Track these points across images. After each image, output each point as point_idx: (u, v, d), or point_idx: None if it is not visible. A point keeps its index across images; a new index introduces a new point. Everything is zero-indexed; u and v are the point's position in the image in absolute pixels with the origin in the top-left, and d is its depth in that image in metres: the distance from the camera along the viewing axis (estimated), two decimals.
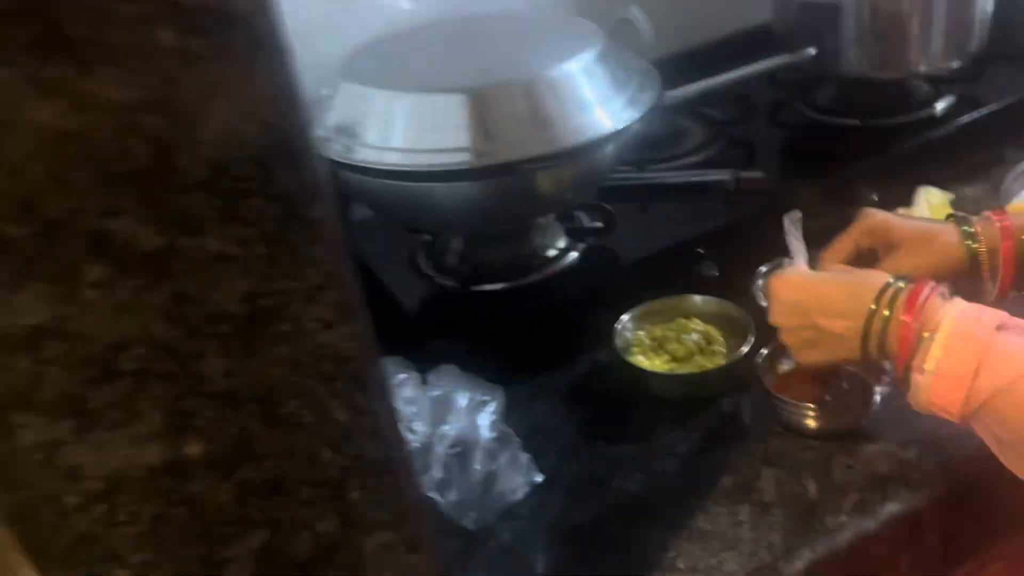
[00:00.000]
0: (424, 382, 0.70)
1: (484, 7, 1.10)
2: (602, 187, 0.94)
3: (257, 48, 0.28)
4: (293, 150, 0.30)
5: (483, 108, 0.77)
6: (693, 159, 1.05)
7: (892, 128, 1.04)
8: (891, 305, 0.63)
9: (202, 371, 0.34)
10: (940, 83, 1.07)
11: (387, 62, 0.85)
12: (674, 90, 0.89)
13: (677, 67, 1.17)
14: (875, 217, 0.76)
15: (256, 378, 0.35)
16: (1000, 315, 0.60)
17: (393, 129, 0.77)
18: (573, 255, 0.92)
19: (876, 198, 0.97)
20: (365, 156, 0.76)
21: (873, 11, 0.97)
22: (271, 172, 0.30)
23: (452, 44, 0.88)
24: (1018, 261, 0.72)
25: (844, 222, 0.79)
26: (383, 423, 0.38)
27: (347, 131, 0.78)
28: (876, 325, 0.64)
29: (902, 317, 0.62)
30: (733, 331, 0.83)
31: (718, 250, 0.92)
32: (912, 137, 1.02)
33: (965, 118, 1.04)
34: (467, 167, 0.76)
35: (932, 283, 0.63)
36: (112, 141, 0.29)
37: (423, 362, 0.78)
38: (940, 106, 1.06)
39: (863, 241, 0.76)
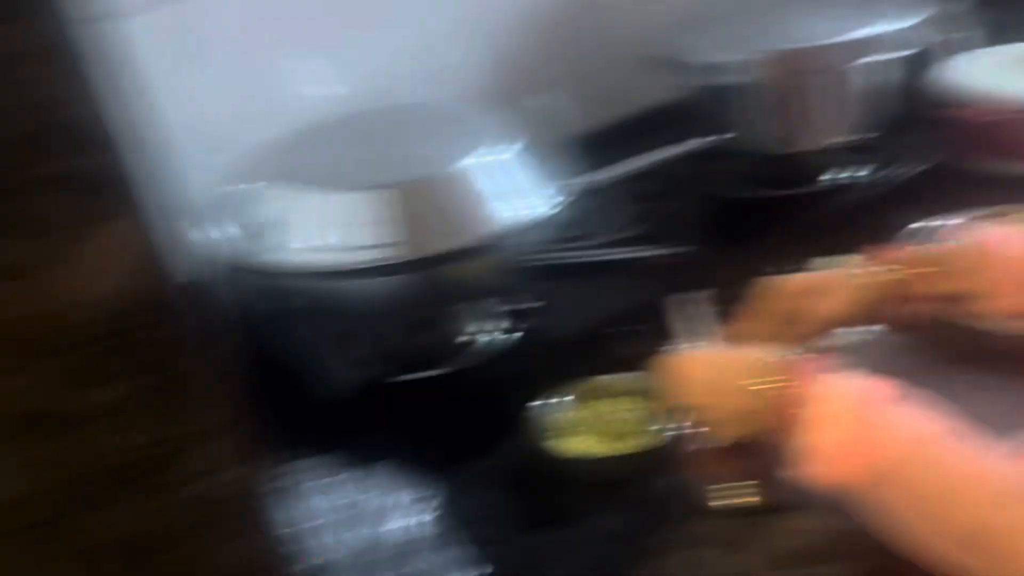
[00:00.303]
0: (352, 483, 0.69)
1: (402, 96, 1.13)
2: (529, 268, 0.95)
3: (132, 213, 0.28)
4: (174, 303, 0.30)
5: (400, 204, 0.78)
6: (618, 236, 1.07)
7: (804, 198, 1.08)
8: (787, 377, 0.64)
9: (99, 518, 0.34)
10: (849, 152, 1.12)
11: (298, 159, 0.85)
12: (590, 174, 0.91)
13: (596, 145, 1.21)
14: (782, 280, 0.78)
15: (153, 521, 0.34)
16: (893, 385, 0.61)
17: (305, 228, 0.77)
18: (502, 338, 0.92)
19: (790, 267, 1.00)
20: (276, 257, 0.76)
21: (774, 91, 1.01)
22: (156, 325, 0.30)
23: (366, 138, 0.89)
24: (927, 288, 0.76)
25: (760, 292, 0.82)
26: (277, 555, 0.38)
27: (256, 231, 0.78)
28: (771, 398, 0.65)
29: (794, 390, 0.63)
30: (662, 407, 0.84)
31: (647, 326, 0.93)
32: (822, 206, 1.06)
33: (872, 187, 1.09)
34: (385, 264, 0.77)
35: (824, 354, 0.65)
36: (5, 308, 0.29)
37: (352, 460, 0.77)
38: (848, 175, 1.10)
39: (779, 306, 0.78)
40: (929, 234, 0.99)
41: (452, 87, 1.17)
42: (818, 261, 0.96)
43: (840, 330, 0.79)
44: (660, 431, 0.81)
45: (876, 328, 0.81)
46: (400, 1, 1.13)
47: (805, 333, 0.76)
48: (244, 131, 0.97)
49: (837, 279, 0.78)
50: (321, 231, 0.77)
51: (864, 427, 0.60)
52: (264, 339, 0.96)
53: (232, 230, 0.79)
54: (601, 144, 1.22)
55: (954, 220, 1.00)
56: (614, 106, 1.28)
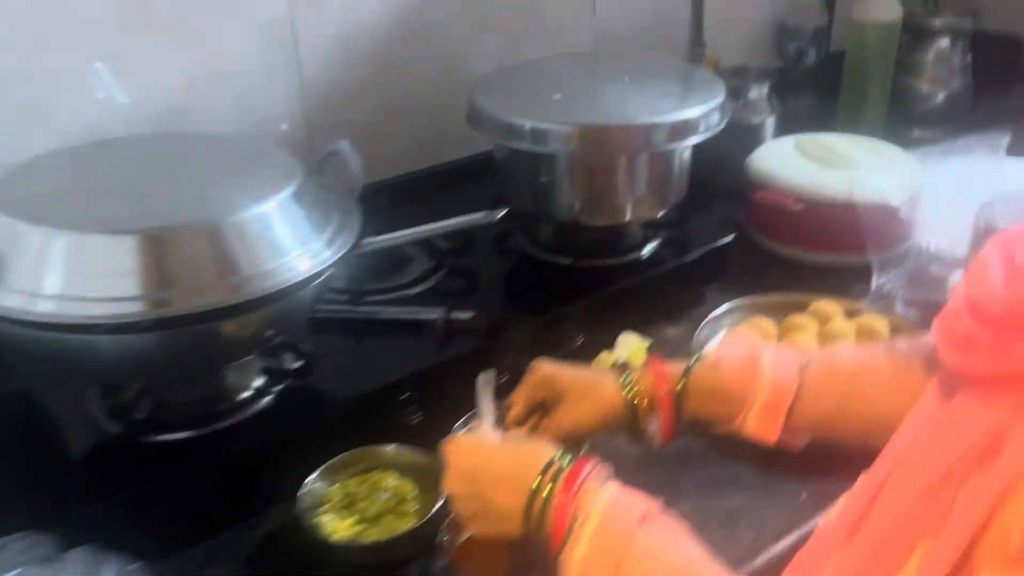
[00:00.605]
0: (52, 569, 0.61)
1: (196, 120, 1.05)
2: (303, 325, 0.89)
3: None
4: None
5: (159, 252, 0.70)
6: (413, 291, 1.03)
7: (602, 269, 1.08)
8: (552, 484, 0.63)
9: None
10: (648, 227, 1.13)
11: (46, 189, 0.76)
12: (374, 237, 0.87)
13: (399, 193, 1.17)
14: (543, 370, 0.78)
15: None
16: (645, 506, 0.61)
17: (46, 272, 0.68)
18: (270, 397, 0.86)
19: (581, 340, 0.99)
20: (8, 302, 0.67)
21: (581, 165, 1.01)
22: None
23: (132, 171, 0.81)
24: (676, 407, 0.76)
25: (529, 375, 0.80)
26: None
27: None
28: (537, 504, 0.63)
29: (558, 500, 0.62)
30: (429, 485, 0.80)
31: (427, 393, 0.90)
32: (620, 279, 1.06)
33: (669, 263, 1.10)
34: (139, 319, 0.69)
35: (592, 463, 0.64)
36: None
37: (75, 533, 0.68)
38: (647, 250, 1.11)
39: (535, 394, 0.78)
40: (714, 324, 1.02)
41: (250, 119, 1.10)
42: (604, 346, 0.97)
43: (593, 433, 0.78)
44: (425, 515, 0.77)
45: (630, 436, 0.80)
46: (206, 14, 1.05)
47: (559, 430, 0.75)
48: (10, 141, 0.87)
49: (583, 386, 0.76)
50: (55, 277, 0.68)
51: (608, 546, 0.58)
52: None
53: None
54: (405, 189, 1.18)
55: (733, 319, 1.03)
56: (419, 158, 1.26)
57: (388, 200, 1.17)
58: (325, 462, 0.80)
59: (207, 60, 1.07)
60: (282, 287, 0.75)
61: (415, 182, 1.23)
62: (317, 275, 0.77)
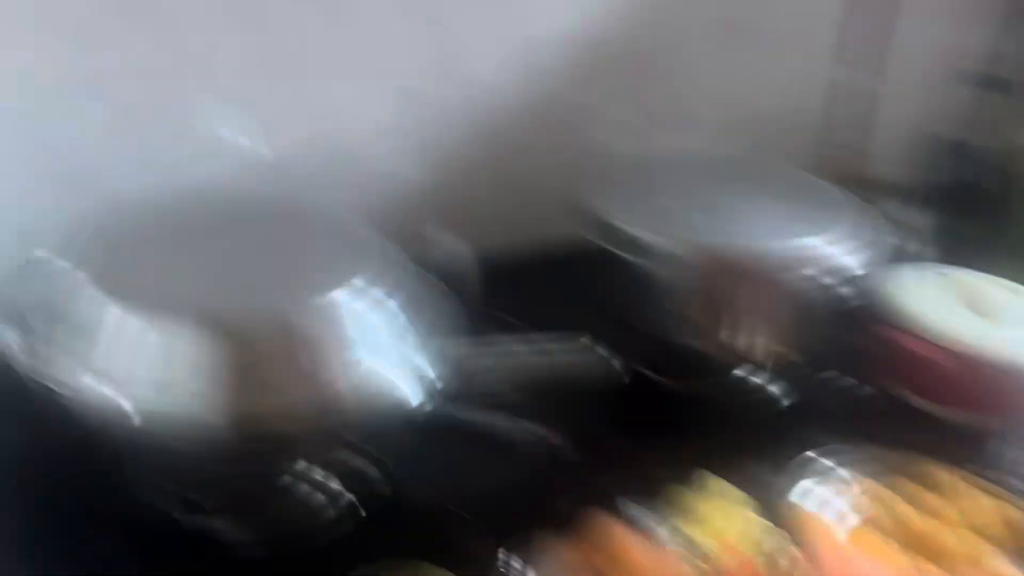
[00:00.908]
0: None
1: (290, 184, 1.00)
2: (385, 428, 0.82)
3: None
4: None
5: (236, 352, 0.64)
6: (494, 402, 0.94)
7: (696, 393, 0.99)
8: None
9: None
10: (762, 361, 1.02)
11: (126, 249, 0.71)
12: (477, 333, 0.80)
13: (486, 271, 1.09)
14: (608, 534, 0.69)
15: None
16: None
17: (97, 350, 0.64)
18: (332, 509, 0.79)
19: (668, 472, 0.89)
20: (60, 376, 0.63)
21: (693, 281, 0.92)
22: None
23: (222, 241, 0.76)
24: None
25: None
26: None
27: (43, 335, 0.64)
28: None
29: None
30: None
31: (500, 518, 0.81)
32: (714, 405, 0.97)
33: (771, 394, 1.01)
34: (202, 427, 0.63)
35: None
36: None
37: None
38: (759, 386, 1.01)
39: (591, 559, 0.69)
40: (813, 475, 0.90)
41: (358, 189, 1.04)
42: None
43: None
44: None
45: None
46: (334, 69, 1.02)
47: None
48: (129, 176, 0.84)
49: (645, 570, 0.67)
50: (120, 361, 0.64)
51: None
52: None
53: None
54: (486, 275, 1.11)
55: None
56: (516, 236, 1.17)
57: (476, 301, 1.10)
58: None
59: (322, 117, 1.03)
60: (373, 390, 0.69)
61: (509, 262, 1.15)
62: (413, 376, 0.71)
